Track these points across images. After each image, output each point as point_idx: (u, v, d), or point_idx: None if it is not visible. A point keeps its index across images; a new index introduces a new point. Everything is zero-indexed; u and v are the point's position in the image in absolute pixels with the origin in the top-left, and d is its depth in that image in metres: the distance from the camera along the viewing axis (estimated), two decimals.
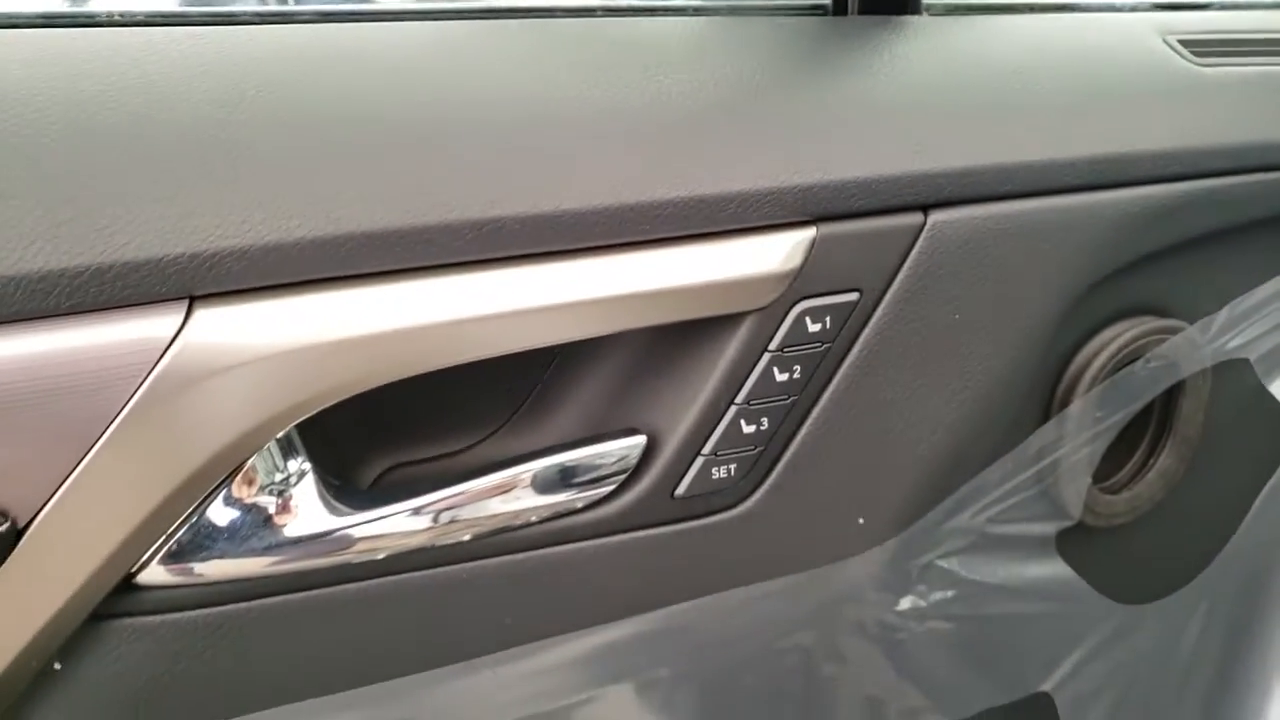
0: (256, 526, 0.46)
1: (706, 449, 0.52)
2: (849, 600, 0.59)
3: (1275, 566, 0.82)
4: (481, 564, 0.51)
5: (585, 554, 0.53)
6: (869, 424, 0.55)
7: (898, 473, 0.57)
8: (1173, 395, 0.68)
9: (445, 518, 0.49)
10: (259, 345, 0.42)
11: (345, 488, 0.49)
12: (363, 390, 0.45)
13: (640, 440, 0.52)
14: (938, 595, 0.62)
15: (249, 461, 0.45)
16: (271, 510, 0.46)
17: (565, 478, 0.51)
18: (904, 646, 0.63)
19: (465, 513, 0.50)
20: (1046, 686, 0.70)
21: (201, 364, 0.41)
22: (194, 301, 0.41)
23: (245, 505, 0.46)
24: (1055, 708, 0.71)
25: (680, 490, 0.53)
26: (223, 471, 0.44)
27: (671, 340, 0.52)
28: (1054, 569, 0.68)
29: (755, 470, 0.54)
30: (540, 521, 0.51)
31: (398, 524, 0.48)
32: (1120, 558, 0.71)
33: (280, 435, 0.45)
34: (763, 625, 0.57)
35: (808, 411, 0.54)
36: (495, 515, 0.50)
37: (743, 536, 0.55)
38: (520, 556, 0.52)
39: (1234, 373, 0.70)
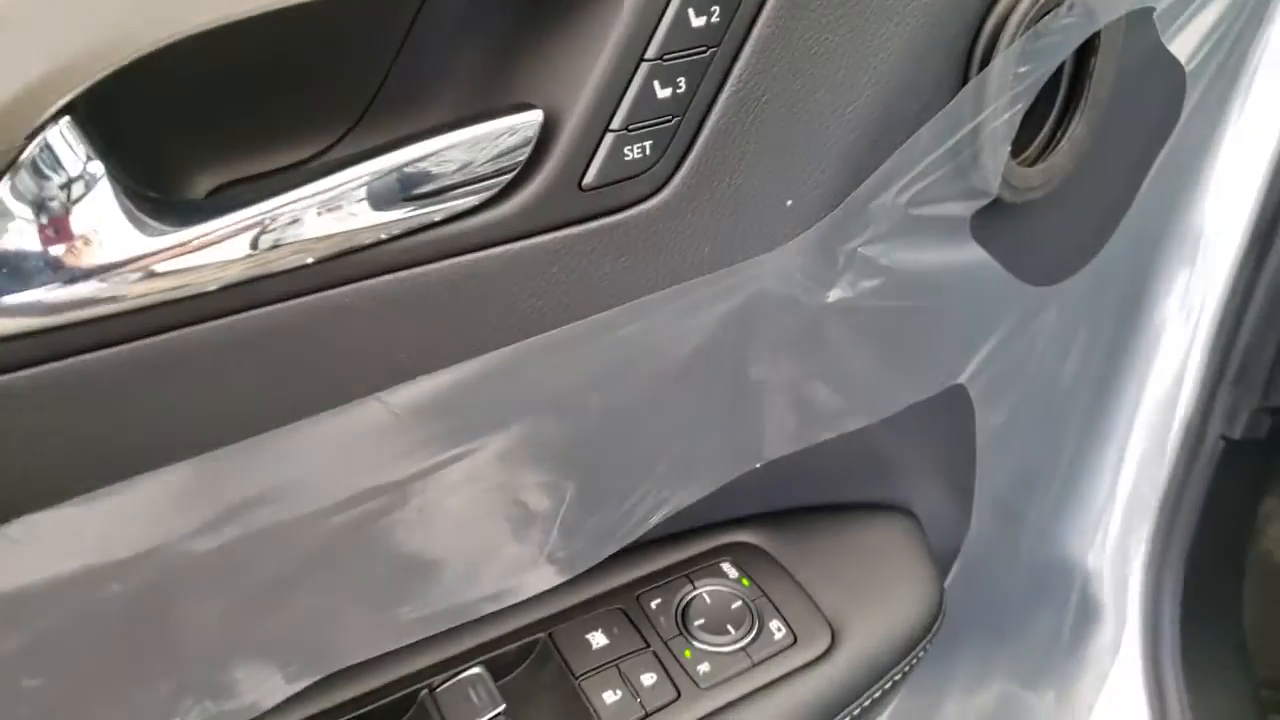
0: (31, 258, 0.34)
1: (616, 122, 0.43)
2: (777, 295, 0.52)
3: (1163, 240, 0.82)
4: (355, 288, 0.41)
5: (485, 265, 0.44)
6: (797, 81, 0.47)
7: (826, 140, 0.50)
8: (1084, 56, 0.63)
9: (297, 231, 0.39)
10: None
11: (161, 202, 0.38)
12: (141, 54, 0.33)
13: (536, 116, 0.42)
14: (864, 284, 0.57)
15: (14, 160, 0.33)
16: (53, 230, 0.34)
17: (449, 170, 0.41)
18: (831, 344, 0.58)
19: (325, 222, 0.39)
20: (962, 379, 0.68)
21: None
22: None
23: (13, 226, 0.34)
24: (970, 400, 0.69)
25: (589, 178, 0.44)
26: None
27: None
28: (970, 253, 0.63)
29: (674, 148, 0.46)
30: (422, 229, 0.42)
31: (235, 245, 0.38)
32: (1030, 237, 0.67)
33: (54, 128, 0.33)
34: (688, 330, 0.50)
35: (729, 68, 0.45)
36: (366, 224, 0.40)
37: (663, 231, 0.47)
38: (404, 275, 0.42)
39: (1138, 28, 0.66)
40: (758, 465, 0.59)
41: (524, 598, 0.52)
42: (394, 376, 0.43)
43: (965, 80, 0.58)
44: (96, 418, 0.38)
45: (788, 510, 0.70)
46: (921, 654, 0.65)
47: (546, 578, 0.52)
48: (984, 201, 0.61)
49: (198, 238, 0.37)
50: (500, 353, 0.45)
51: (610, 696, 0.57)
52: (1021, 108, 0.60)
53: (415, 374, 0.44)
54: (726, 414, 0.56)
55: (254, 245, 0.38)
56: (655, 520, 0.56)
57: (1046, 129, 0.64)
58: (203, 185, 0.42)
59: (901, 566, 0.68)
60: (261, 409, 0.41)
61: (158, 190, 0.39)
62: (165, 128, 0.40)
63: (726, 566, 0.66)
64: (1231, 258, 1.09)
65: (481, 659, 0.58)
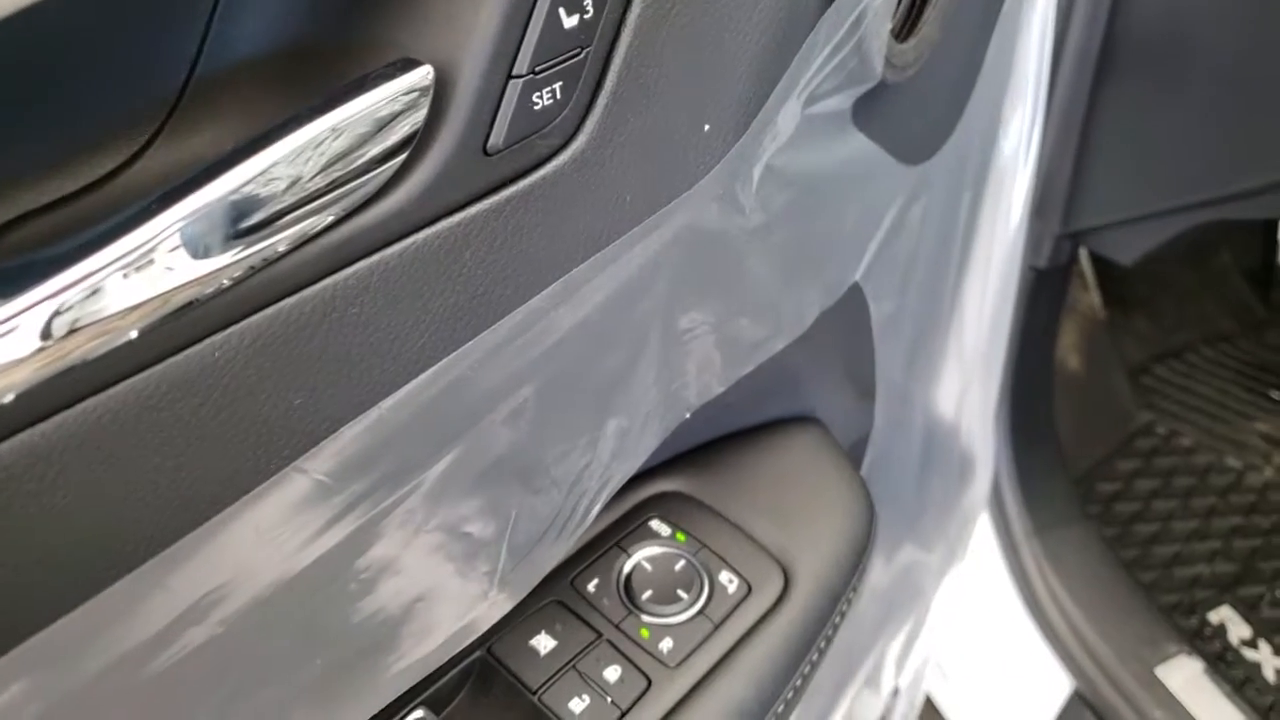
0: None
1: (521, 65, 0.34)
2: (700, 233, 0.46)
3: (1003, 95, 0.81)
4: (231, 332, 0.31)
5: (381, 273, 0.34)
6: None
7: (736, 50, 0.43)
8: None
9: (169, 263, 0.28)
10: None
11: None
12: None
13: (425, 74, 0.32)
14: (776, 200, 0.51)
15: None
16: None
17: (326, 163, 0.31)
18: (749, 273, 0.52)
19: (180, 259, 0.29)
20: (857, 277, 0.64)
21: None
22: None
23: None
24: (865, 297, 0.66)
25: (495, 139, 0.35)
26: None
27: None
28: (855, 142, 0.59)
29: (583, 86, 0.37)
30: (304, 242, 0.32)
31: (93, 293, 0.27)
32: (903, 115, 0.63)
33: None
34: (615, 294, 0.43)
35: None
36: (239, 251, 0.30)
37: (581, 185, 0.39)
38: (287, 305, 0.32)
39: None
40: (688, 415, 0.54)
41: (481, 633, 0.45)
42: (298, 428, 0.33)
43: None
44: None
45: (698, 447, 0.65)
46: (867, 565, 0.63)
47: (501, 605, 0.45)
48: (870, 86, 0.56)
49: (60, 290, 0.26)
50: (419, 380, 0.36)
51: (578, 704, 0.51)
52: None
53: (322, 419, 0.34)
54: (659, 371, 0.49)
55: (105, 305, 0.27)
56: (600, 506, 0.49)
57: (915, 3, 0.60)
58: None
59: (827, 479, 0.66)
60: (163, 506, 0.31)
61: None
62: None
63: (656, 524, 0.60)
64: (1031, 83, 1.11)
65: (420, 699, 0.50)
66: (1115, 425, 1.76)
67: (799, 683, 0.57)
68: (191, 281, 0.29)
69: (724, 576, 0.58)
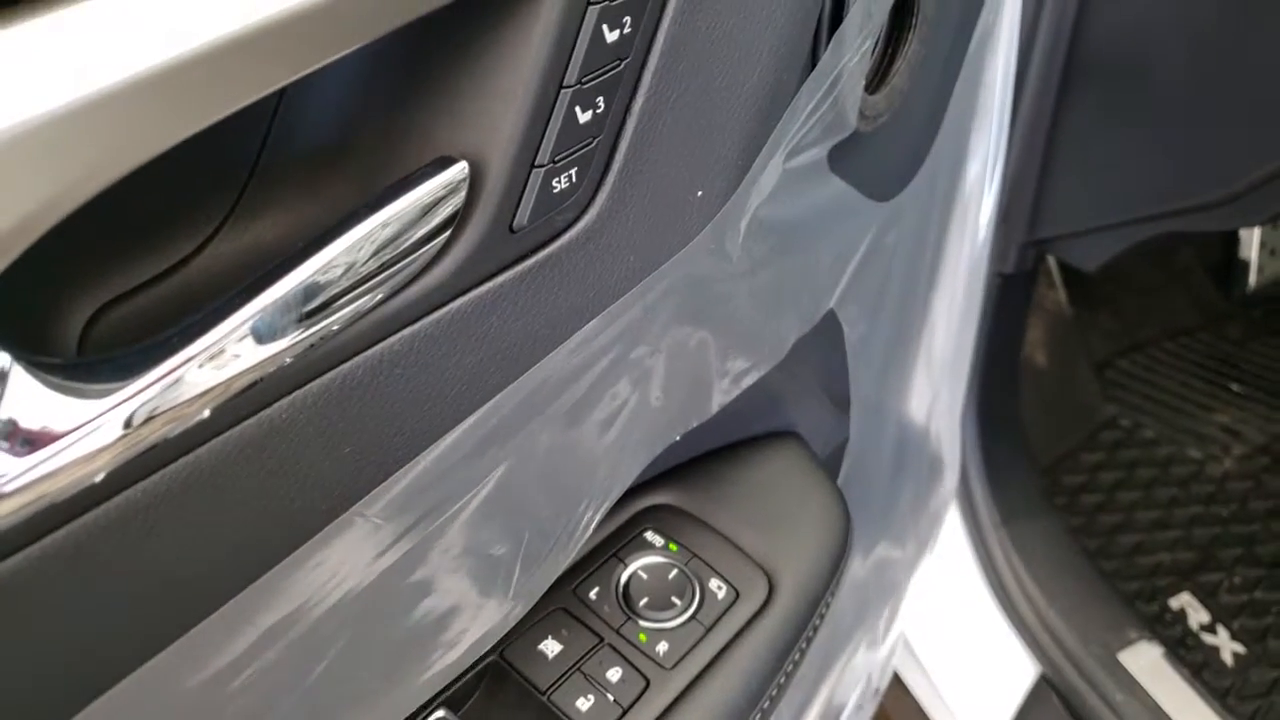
0: None
1: (542, 156, 0.39)
2: (693, 282, 0.51)
3: (969, 119, 0.86)
4: (294, 397, 0.36)
5: (421, 339, 0.39)
6: (701, 74, 0.44)
7: (727, 124, 0.48)
8: None
9: (237, 350, 0.33)
10: None
11: (69, 364, 0.31)
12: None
13: (462, 170, 0.37)
14: (759, 248, 0.56)
15: None
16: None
17: (376, 249, 0.36)
18: (735, 311, 0.57)
19: (249, 347, 0.33)
20: (831, 304, 0.70)
21: None
22: None
23: None
24: (839, 321, 0.72)
25: (520, 218, 0.40)
26: None
27: (459, 21, 0.37)
28: (831, 186, 0.64)
29: (594, 168, 0.42)
30: (358, 317, 0.37)
31: (173, 384, 0.32)
32: (876, 157, 0.69)
33: None
34: (617, 338, 0.48)
35: (639, 75, 0.42)
36: (299, 334, 0.35)
37: (591, 251, 0.44)
38: (344, 369, 0.37)
39: None
40: (678, 439, 0.59)
41: (495, 641, 0.50)
42: (352, 477, 0.39)
43: (816, 28, 0.57)
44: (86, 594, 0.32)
45: (687, 461, 0.71)
46: (845, 570, 0.69)
47: (515, 614, 0.50)
48: (843, 136, 0.62)
49: (145, 387, 0.31)
50: (457, 430, 0.41)
51: (584, 703, 0.56)
52: (873, 43, 0.60)
53: (372, 467, 0.39)
54: (654, 402, 0.55)
55: (200, 379, 0.32)
56: (598, 520, 0.55)
57: (887, 53, 0.65)
58: (76, 319, 0.35)
59: (806, 491, 0.71)
60: (240, 554, 0.36)
61: (38, 349, 0.32)
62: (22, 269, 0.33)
63: (650, 535, 0.66)
64: (997, 101, 1.16)
65: (440, 700, 0.56)
66: (1081, 419, 1.83)
67: (783, 680, 0.63)
68: (257, 364, 0.34)
69: (713, 584, 0.64)
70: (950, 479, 1.04)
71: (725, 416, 0.67)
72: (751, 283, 0.57)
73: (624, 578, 0.63)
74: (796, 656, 0.64)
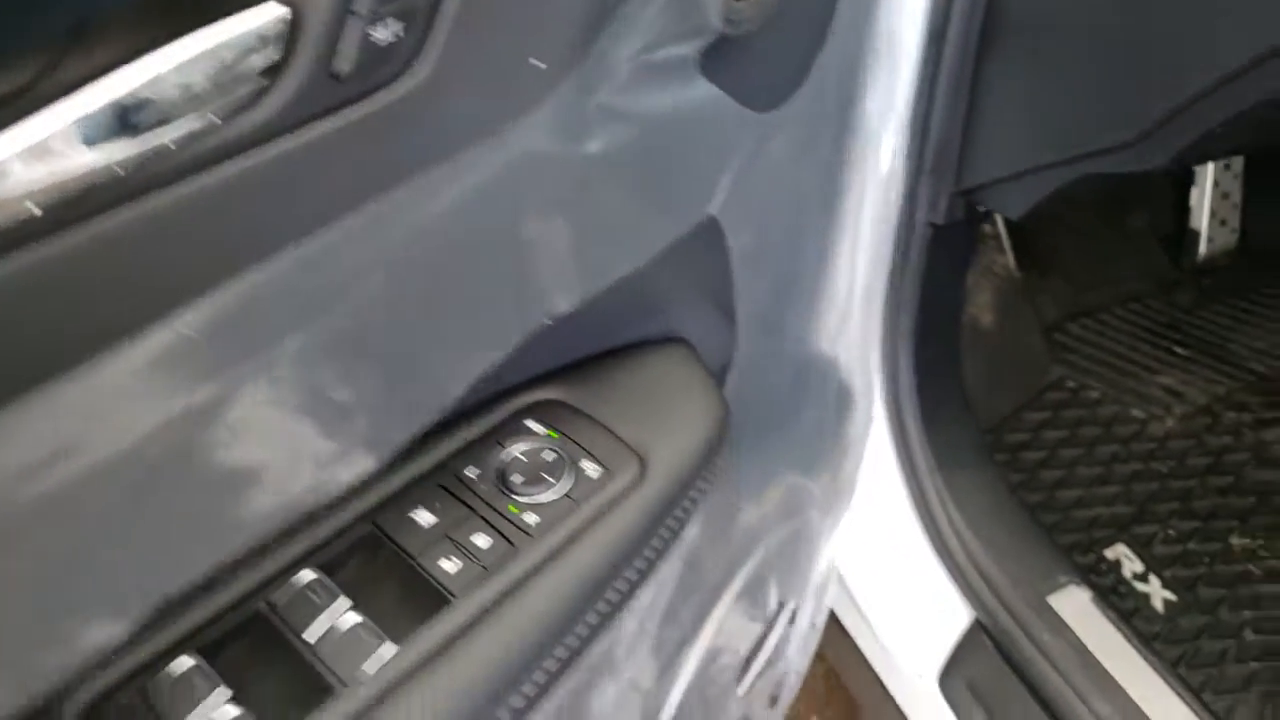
0: None
1: (360, 6, 0.43)
2: (539, 154, 0.54)
3: (863, 47, 0.89)
4: (131, 208, 0.39)
5: (254, 166, 0.43)
6: None
7: None
8: None
9: (66, 151, 0.36)
10: None
11: None
12: None
13: (283, 10, 0.40)
14: (615, 134, 0.60)
15: None
16: None
17: (208, 73, 0.39)
18: (594, 196, 0.61)
19: (91, 146, 0.37)
20: (712, 210, 0.73)
21: None
22: None
23: None
24: (721, 229, 0.75)
25: (340, 65, 0.43)
26: None
27: None
28: (701, 89, 0.68)
29: (419, 22, 0.46)
30: (191, 140, 0.40)
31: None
32: (752, 66, 0.72)
33: None
34: (460, 200, 0.52)
35: None
36: (139, 142, 0.38)
37: (420, 109, 0.48)
38: (179, 189, 0.41)
39: None
40: (548, 322, 0.62)
41: (345, 487, 0.53)
42: (174, 287, 0.42)
43: None
44: None
45: (579, 362, 0.74)
46: (719, 462, 0.73)
47: (363, 464, 0.54)
48: (709, 39, 0.65)
49: None
50: (287, 255, 0.45)
51: (450, 566, 0.60)
52: None
53: (197, 282, 0.43)
54: (511, 275, 0.58)
55: None
56: (460, 390, 0.58)
57: None
58: None
59: (687, 388, 0.75)
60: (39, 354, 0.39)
61: None
62: None
63: (531, 424, 0.69)
64: (915, 56, 1.20)
65: (312, 563, 0.59)
66: (1027, 379, 1.86)
67: (651, 556, 0.66)
68: (89, 169, 0.37)
69: (587, 465, 0.67)
70: (863, 411, 1.07)
71: (608, 316, 0.71)
72: (615, 172, 0.60)
73: (502, 459, 0.67)
74: (665, 534, 0.67)
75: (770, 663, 1.06)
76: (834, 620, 1.72)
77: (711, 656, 0.91)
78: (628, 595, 0.65)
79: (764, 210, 0.77)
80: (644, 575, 0.66)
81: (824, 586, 1.20)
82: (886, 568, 1.57)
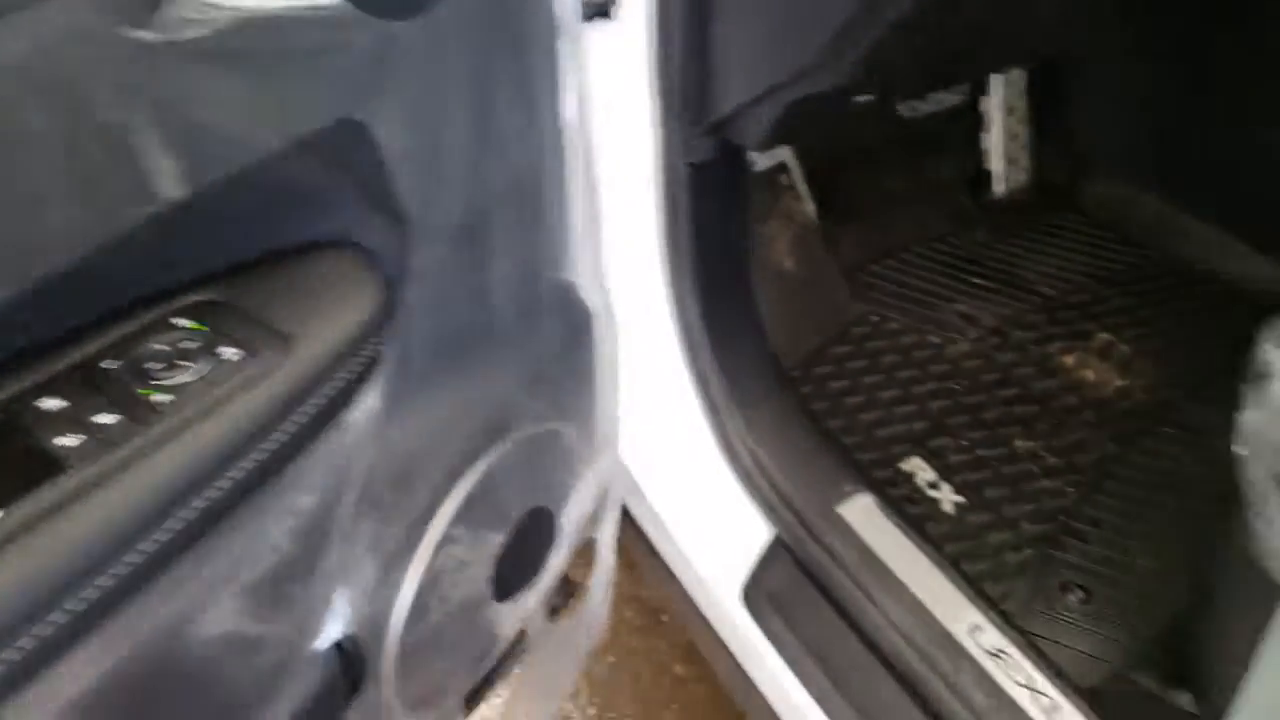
0: None
1: None
2: (90, 37, 0.58)
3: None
4: None
5: None
6: None
7: None
8: None
9: None
10: None
11: None
12: None
13: None
14: (233, 39, 0.63)
15: None
16: None
17: None
18: (208, 91, 0.64)
19: None
20: (359, 116, 0.76)
21: None
22: None
23: None
24: (367, 131, 0.79)
25: None
26: None
27: None
28: None
29: None
30: None
31: None
32: None
33: None
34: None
35: None
36: None
37: None
38: None
39: None
40: (160, 209, 0.65)
41: None
42: None
43: None
44: None
45: (238, 265, 0.77)
46: (378, 346, 0.76)
47: None
48: None
49: None
50: None
51: (72, 440, 0.62)
52: None
53: None
54: (111, 157, 0.61)
55: None
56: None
57: None
58: None
59: (350, 283, 0.78)
60: None
61: None
62: None
63: (178, 320, 0.72)
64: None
65: None
66: (832, 317, 1.94)
67: (295, 430, 0.70)
68: None
69: (228, 350, 0.70)
70: (603, 334, 1.11)
71: (247, 212, 0.74)
72: (227, 68, 0.64)
73: (142, 352, 0.69)
74: (311, 410, 0.71)
75: (532, 576, 1.10)
76: (647, 545, 1.78)
77: (446, 563, 0.95)
78: (273, 468, 0.69)
79: (415, 113, 0.81)
80: (293, 449, 0.70)
81: (604, 508, 1.24)
82: (690, 491, 1.63)
